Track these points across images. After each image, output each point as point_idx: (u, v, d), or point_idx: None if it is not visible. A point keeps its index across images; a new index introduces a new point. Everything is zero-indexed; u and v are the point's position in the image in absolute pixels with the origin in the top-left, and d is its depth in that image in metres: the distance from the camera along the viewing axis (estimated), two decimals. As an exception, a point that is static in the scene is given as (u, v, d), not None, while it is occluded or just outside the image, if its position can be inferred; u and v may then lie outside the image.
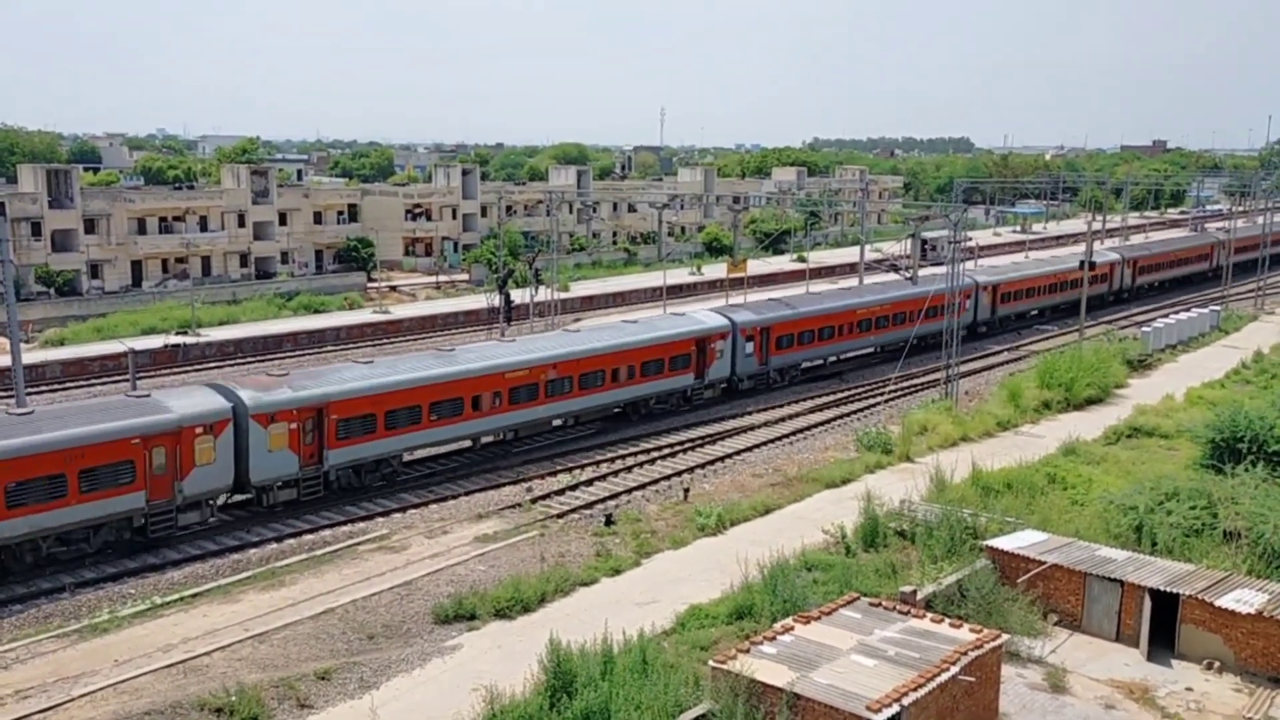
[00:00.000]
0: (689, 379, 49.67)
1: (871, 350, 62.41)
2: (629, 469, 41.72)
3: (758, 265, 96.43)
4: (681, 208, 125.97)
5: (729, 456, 43.34)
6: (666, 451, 43.91)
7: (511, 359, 42.25)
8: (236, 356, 64.42)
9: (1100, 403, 51.36)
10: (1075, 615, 27.29)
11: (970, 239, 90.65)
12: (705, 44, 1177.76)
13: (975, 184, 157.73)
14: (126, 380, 49.38)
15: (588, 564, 30.91)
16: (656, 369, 47.75)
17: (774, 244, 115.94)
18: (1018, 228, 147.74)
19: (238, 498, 35.82)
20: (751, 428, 47.91)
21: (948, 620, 23.39)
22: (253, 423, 34.16)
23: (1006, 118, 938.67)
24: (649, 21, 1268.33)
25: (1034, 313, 76.87)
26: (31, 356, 57.39)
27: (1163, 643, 25.98)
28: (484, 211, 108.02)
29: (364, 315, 75.91)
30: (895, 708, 19.37)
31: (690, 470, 41.44)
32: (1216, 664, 25.26)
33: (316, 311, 77.22)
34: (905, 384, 55.88)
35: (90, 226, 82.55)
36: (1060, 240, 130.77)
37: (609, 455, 43.16)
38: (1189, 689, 24.36)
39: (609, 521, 34.68)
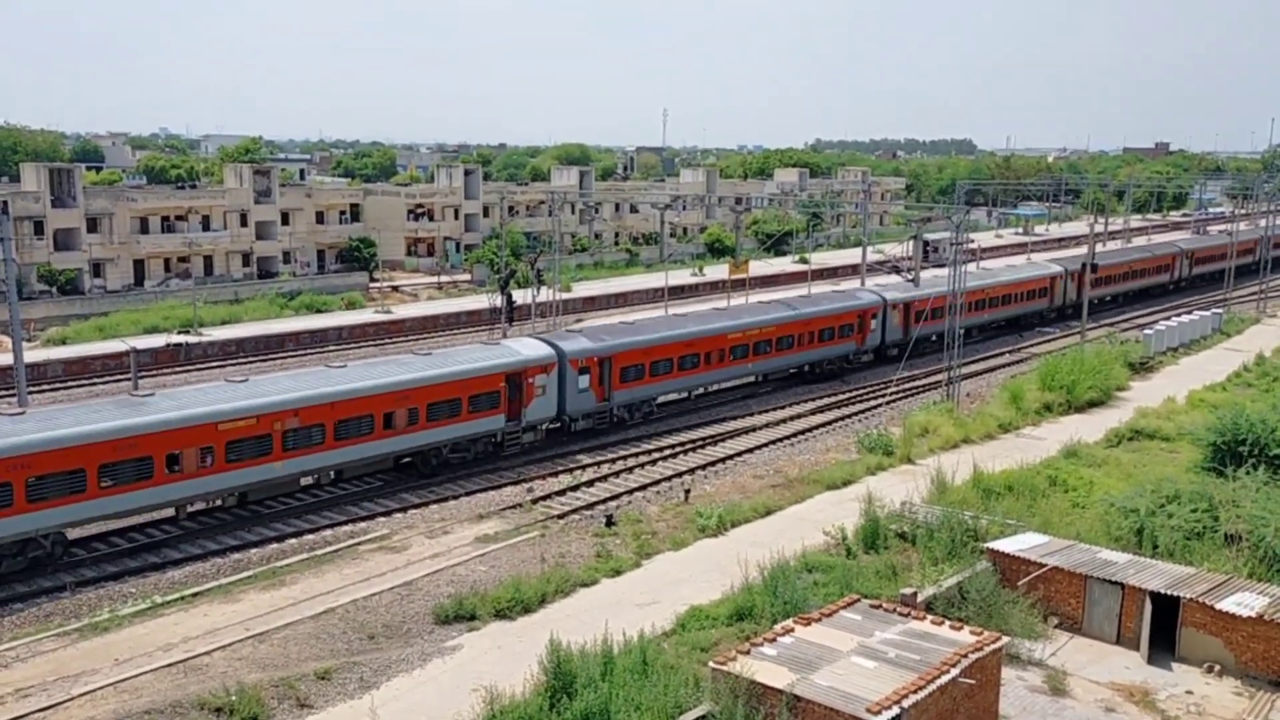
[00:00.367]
0: (498, 421, 41.44)
1: (753, 379, 55.57)
2: (630, 470, 41.72)
3: (760, 266, 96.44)
4: (683, 209, 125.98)
5: (730, 458, 43.35)
6: (668, 452, 43.90)
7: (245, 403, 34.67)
8: (238, 356, 64.44)
9: (1102, 405, 51.33)
10: (1076, 618, 27.26)
11: (972, 241, 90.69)
12: (707, 45, 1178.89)
13: (977, 186, 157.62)
14: (128, 380, 49.45)
15: (588, 565, 30.90)
16: (451, 411, 39.70)
17: (776, 245, 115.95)
18: (1020, 229, 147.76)
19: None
20: (753, 429, 47.91)
21: (948, 622, 23.37)
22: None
23: (1009, 119, 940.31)
24: (651, 22, 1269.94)
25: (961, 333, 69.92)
26: (33, 355, 57.45)
27: (1163, 646, 25.94)
28: (486, 212, 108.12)
29: (366, 315, 75.97)
30: (895, 710, 19.35)
31: (691, 471, 41.44)
32: (1217, 667, 25.23)
33: (318, 311, 77.28)
34: (907, 385, 55.88)
35: (93, 225, 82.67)
36: (1062, 242, 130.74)
37: (610, 456, 43.16)
38: (1189, 692, 24.33)
39: (610, 522, 34.68)
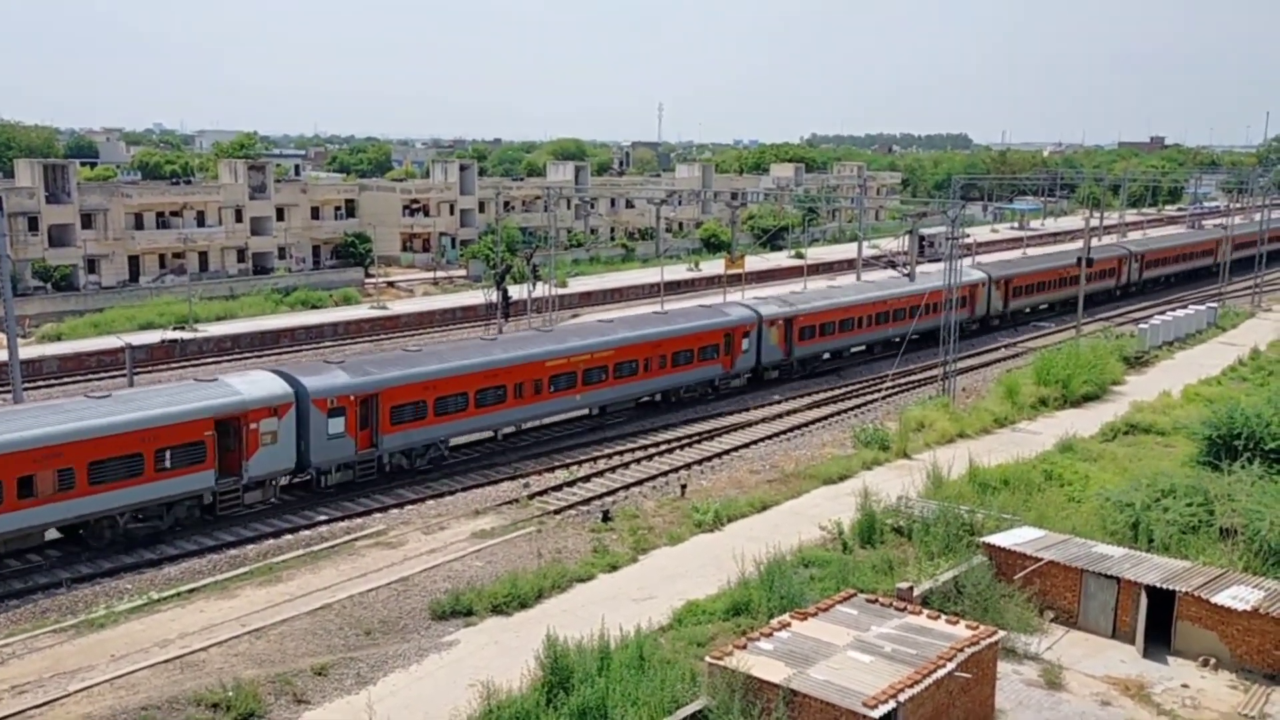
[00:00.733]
0: (206, 479, 33.85)
1: (587, 412, 47.67)
2: (626, 465, 41.71)
3: (756, 261, 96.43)
4: (679, 204, 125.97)
5: (726, 453, 43.36)
6: (664, 448, 43.91)
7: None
8: (234, 352, 64.36)
9: (1097, 399, 51.42)
10: (1071, 612, 27.32)
11: (968, 235, 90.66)
12: (703, 40, 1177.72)
13: (973, 180, 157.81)
14: (124, 375, 49.34)
15: (585, 560, 30.92)
16: (129, 469, 32.02)
17: (772, 240, 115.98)
18: (1015, 224, 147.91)
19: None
20: (749, 424, 47.93)
21: (944, 617, 23.44)
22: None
23: (1004, 114, 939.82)
24: (647, 16, 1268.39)
25: (855, 349, 61.06)
26: (28, 351, 57.31)
27: (1159, 639, 26.01)
28: (481, 207, 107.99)
29: (362, 311, 75.90)
30: (891, 704, 19.40)
31: (687, 466, 41.46)
32: (1212, 661, 25.30)
33: (314, 307, 77.20)
34: (903, 380, 55.91)
35: (87, 221, 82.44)
36: (1057, 237, 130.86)
37: (606, 451, 43.16)
38: (1185, 686, 24.40)
39: (606, 518, 34.69)
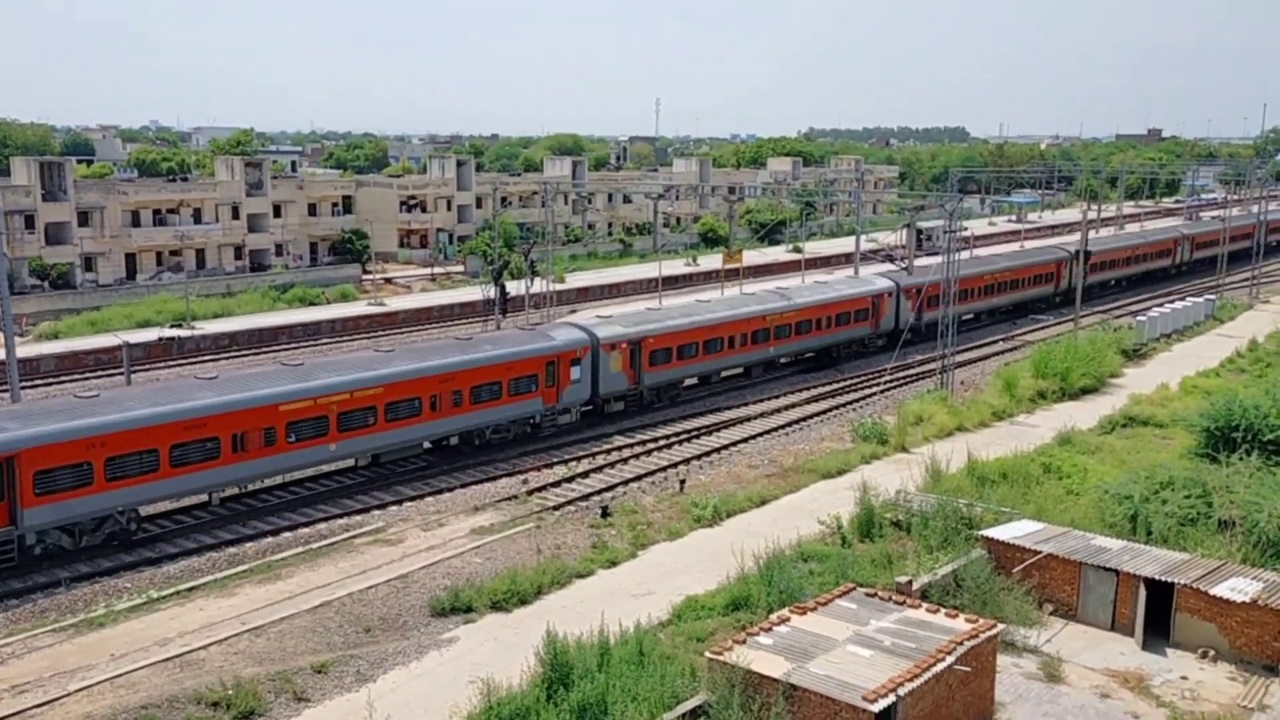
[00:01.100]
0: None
1: (350, 463, 39.23)
2: (625, 461, 41.73)
3: (753, 256, 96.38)
4: (677, 198, 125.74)
5: (725, 448, 43.37)
6: (662, 443, 43.92)
7: None
8: (231, 349, 64.32)
9: (1095, 392, 51.45)
10: (1070, 605, 27.35)
11: (966, 229, 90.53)
12: (700, 34, 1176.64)
13: (970, 173, 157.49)
14: (121, 374, 49.32)
15: (584, 556, 30.93)
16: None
17: (769, 235, 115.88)
18: (1013, 217, 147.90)
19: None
20: (748, 419, 47.93)
21: (943, 610, 23.45)
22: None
23: (1002, 107, 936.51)
24: (643, 10, 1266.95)
25: (729, 371, 54.12)
26: (25, 350, 57.28)
27: (1158, 632, 26.04)
28: (479, 203, 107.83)
29: (359, 308, 75.84)
30: (891, 698, 19.42)
31: (686, 462, 41.47)
32: (1211, 653, 25.33)
33: (311, 304, 77.13)
34: (901, 374, 55.93)
35: (84, 219, 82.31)
36: (1055, 230, 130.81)
37: (605, 447, 43.17)
38: (1184, 678, 24.43)
39: (605, 513, 34.70)
